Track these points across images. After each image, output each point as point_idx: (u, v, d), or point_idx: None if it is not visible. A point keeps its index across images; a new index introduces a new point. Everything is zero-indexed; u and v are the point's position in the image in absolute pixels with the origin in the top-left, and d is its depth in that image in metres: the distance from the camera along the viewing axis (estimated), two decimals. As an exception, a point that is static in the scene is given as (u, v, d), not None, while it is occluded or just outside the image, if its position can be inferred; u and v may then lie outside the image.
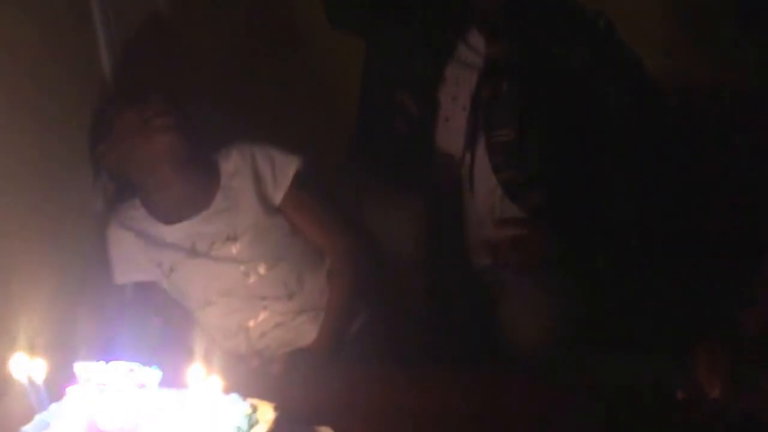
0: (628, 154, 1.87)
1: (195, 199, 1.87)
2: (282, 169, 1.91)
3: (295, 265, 1.89)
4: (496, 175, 1.88)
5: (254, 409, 1.42)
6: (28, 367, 1.40)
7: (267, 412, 1.41)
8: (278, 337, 1.89)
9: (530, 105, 1.81)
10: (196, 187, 1.88)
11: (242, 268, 1.85)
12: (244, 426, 1.38)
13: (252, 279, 1.86)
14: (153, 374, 1.39)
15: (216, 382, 1.37)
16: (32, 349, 1.44)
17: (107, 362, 1.40)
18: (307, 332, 1.87)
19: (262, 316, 1.88)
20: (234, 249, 1.85)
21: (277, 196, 1.90)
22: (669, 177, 1.89)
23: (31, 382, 1.39)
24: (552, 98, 1.81)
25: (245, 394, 1.41)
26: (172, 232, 1.87)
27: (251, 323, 1.89)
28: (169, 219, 1.88)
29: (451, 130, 1.89)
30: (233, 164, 1.91)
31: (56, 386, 1.40)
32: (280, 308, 1.86)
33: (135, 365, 1.39)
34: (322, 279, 1.93)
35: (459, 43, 1.86)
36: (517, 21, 1.80)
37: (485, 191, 1.91)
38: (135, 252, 1.87)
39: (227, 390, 1.36)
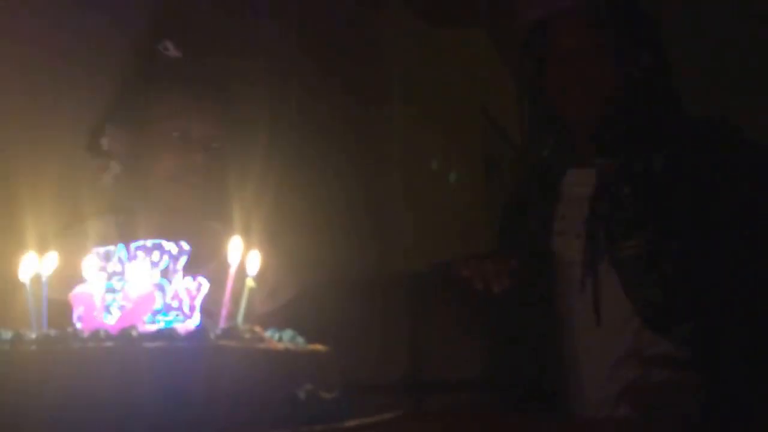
0: None
1: None
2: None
3: None
4: (629, 297, 1.58)
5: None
6: (36, 266, 1.26)
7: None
8: None
9: (657, 210, 1.58)
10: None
11: None
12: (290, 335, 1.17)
13: None
14: (179, 251, 1.20)
15: (255, 255, 1.18)
16: (42, 247, 1.26)
17: (126, 246, 1.22)
18: None
19: None
20: None
21: None
22: None
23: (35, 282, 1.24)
24: (681, 200, 1.57)
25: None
26: None
27: None
28: None
29: (564, 263, 1.68)
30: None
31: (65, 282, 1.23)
32: None
33: (158, 244, 1.21)
34: None
35: (561, 186, 1.72)
36: (627, 133, 1.64)
37: (618, 322, 1.60)
38: None
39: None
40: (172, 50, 1.65)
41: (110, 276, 1.23)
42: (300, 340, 1.18)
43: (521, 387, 1.67)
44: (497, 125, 2.52)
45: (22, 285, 1.24)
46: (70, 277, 1.24)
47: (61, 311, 1.23)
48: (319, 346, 1.18)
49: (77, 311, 1.22)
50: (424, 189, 2.29)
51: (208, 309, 1.21)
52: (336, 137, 2.02)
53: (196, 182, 1.68)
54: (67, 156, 1.62)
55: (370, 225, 2.07)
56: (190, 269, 1.24)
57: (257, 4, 1.97)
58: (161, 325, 1.14)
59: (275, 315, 1.63)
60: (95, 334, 1.10)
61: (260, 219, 1.48)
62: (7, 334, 1.15)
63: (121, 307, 1.20)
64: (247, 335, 1.11)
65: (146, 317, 1.16)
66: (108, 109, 1.69)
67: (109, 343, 1.07)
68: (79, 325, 1.20)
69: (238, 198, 1.58)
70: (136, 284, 1.19)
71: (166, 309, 1.19)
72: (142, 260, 1.21)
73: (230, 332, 1.10)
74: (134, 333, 1.08)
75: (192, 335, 1.08)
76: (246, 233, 1.37)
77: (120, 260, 1.23)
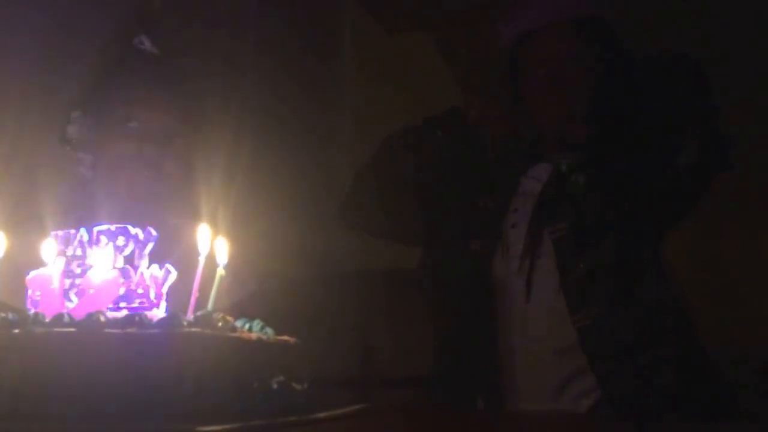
0: None
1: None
2: None
3: None
4: (561, 272, 1.65)
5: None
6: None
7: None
8: None
9: (597, 200, 1.66)
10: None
11: None
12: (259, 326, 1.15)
13: None
14: (146, 236, 1.17)
15: (223, 244, 1.16)
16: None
17: (88, 230, 1.18)
18: None
19: None
20: None
21: None
22: None
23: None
24: (625, 197, 1.66)
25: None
26: None
27: None
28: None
29: (510, 254, 1.71)
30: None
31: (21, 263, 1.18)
32: None
33: (123, 228, 1.17)
34: None
35: (522, 179, 1.78)
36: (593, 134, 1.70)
37: (556, 313, 1.64)
38: None
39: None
40: (147, 45, 1.61)
41: (70, 260, 1.18)
42: (269, 330, 1.16)
43: (466, 382, 1.70)
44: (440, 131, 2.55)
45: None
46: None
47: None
48: (288, 338, 1.17)
49: (33, 295, 1.16)
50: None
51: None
52: (287, 143, 2.02)
53: (148, 175, 1.63)
54: (14, 138, 1.55)
55: (320, 224, 2.06)
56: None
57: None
58: (124, 313, 1.10)
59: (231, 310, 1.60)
60: (58, 319, 1.05)
61: (216, 216, 1.44)
62: (-44, 318, 1.09)
63: (80, 293, 1.16)
64: (220, 324, 1.08)
65: (109, 304, 1.12)
66: (77, 98, 1.63)
67: (74, 329, 1.03)
68: (33, 311, 1.15)
69: (197, 194, 1.55)
70: (99, 269, 1.15)
71: (130, 296, 1.15)
72: (105, 245, 1.17)
73: (203, 320, 1.07)
74: (101, 318, 1.04)
75: (164, 322, 1.05)
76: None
77: (81, 244, 1.18)
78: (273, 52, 1.96)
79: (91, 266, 1.16)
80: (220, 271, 1.16)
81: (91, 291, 1.13)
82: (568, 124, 1.68)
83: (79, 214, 1.50)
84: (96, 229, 1.19)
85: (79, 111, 1.67)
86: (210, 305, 1.14)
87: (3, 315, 1.08)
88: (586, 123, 1.66)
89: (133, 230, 1.18)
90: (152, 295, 1.15)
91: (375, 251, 2.03)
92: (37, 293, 1.16)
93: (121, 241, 1.17)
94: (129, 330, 1.02)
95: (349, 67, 2.21)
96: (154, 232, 1.18)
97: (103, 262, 1.15)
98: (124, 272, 1.15)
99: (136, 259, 1.17)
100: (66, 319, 1.05)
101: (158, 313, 1.14)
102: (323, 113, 2.09)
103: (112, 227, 1.18)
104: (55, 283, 1.15)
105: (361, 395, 1.44)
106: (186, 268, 1.23)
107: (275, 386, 1.08)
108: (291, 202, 1.94)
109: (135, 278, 1.15)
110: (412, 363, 1.78)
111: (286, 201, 1.92)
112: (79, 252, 1.18)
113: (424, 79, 2.24)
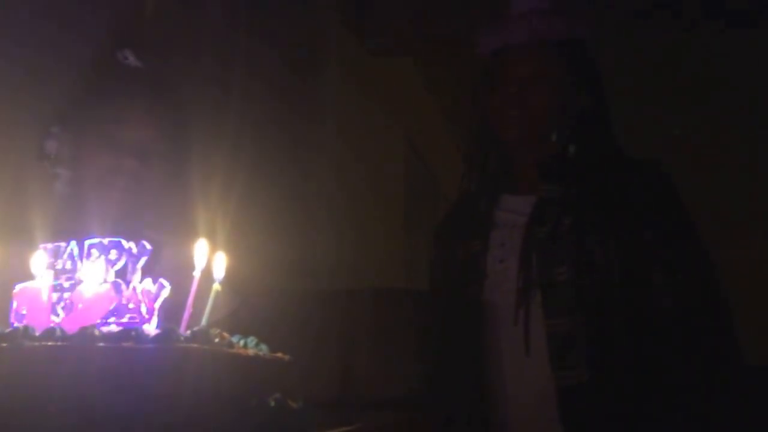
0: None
1: None
2: None
3: None
4: (546, 321, 1.60)
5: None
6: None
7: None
8: None
9: (589, 241, 1.62)
10: None
11: None
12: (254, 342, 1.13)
13: None
14: (139, 250, 1.15)
15: (221, 259, 1.15)
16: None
17: (78, 243, 1.15)
18: None
19: None
20: None
21: None
22: None
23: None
24: (609, 237, 1.63)
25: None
26: None
27: None
28: None
29: (503, 290, 1.69)
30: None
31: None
32: None
33: (116, 242, 1.15)
34: None
35: (495, 213, 1.75)
36: (569, 165, 1.70)
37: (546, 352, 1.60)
38: None
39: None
40: (131, 59, 1.58)
41: (58, 274, 1.15)
42: (263, 347, 1.15)
43: (452, 409, 1.68)
44: (420, 154, 2.57)
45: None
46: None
47: None
48: (283, 355, 1.15)
49: (20, 310, 1.13)
50: (348, 210, 2.29)
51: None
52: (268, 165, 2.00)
53: (126, 187, 1.60)
54: (3, 150, 1.52)
55: (301, 243, 2.04)
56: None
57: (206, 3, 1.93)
58: (114, 328, 1.07)
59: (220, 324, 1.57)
60: (50, 333, 1.02)
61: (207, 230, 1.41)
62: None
63: (68, 307, 1.12)
64: (216, 339, 1.06)
65: (98, 319, 1.09)
66: (57, 113, 1.59)
67: (66, 343, 1.00)
68: (18, 325, 1.11)
69: (181, 207, 1.52)
70: (90, 283, 1.12)
71: (121, 311, 1.12)
72: (96, 258, 1.14)
73: (199, 336, 1.05)
74: (96, 333, 1.01)
75: (160, 337, 1.02)
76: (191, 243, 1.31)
77: (71, 258, 1.15)
78: (259, 70, 1.95)
79: (80, 280, 1.13)
80: (216, 287, 1.14)
81: (80, 305, 1.11)
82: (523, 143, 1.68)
83: (66, 227, 1.47)
84: (87, 242, 1.16)
85: (57, 125, 1.64)
86: (204, 320, 1.12)
87: (-9, 329, 1.05)
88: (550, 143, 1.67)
89: (126, 244, 1.16)
90: (144, 310, 1.13)
91: (363, 269, 2.03)
92: (23, 308, 1.13)
93: (113, 254, 1.15)
94: (125, 345, 0.99)
95: (333, 85, 2.21)
96: (147, 246, 1.16)
97: (94, 276, 1.12)
98: (115, 286, 1.12)
99: (129, 274, 1.15)
100: (58, 332, 1.02)
101: (150, 328, 1.11)
102: (310, 131, 2.09)
103: (105, 241, 1.16)
104: (44, 297, 1.12)
105: (344, 416, 1.42)
106: (170, 282, 1.21)
107: (273, 404, 1.06)
108: (279, 217, 1.92)
109: (127, 293, 1.13)
110: (395, 384, 1.76)
111: (274, 215, 1.89)
112: (69, 265, 1.15)
113: (405, 95, 2.25)
